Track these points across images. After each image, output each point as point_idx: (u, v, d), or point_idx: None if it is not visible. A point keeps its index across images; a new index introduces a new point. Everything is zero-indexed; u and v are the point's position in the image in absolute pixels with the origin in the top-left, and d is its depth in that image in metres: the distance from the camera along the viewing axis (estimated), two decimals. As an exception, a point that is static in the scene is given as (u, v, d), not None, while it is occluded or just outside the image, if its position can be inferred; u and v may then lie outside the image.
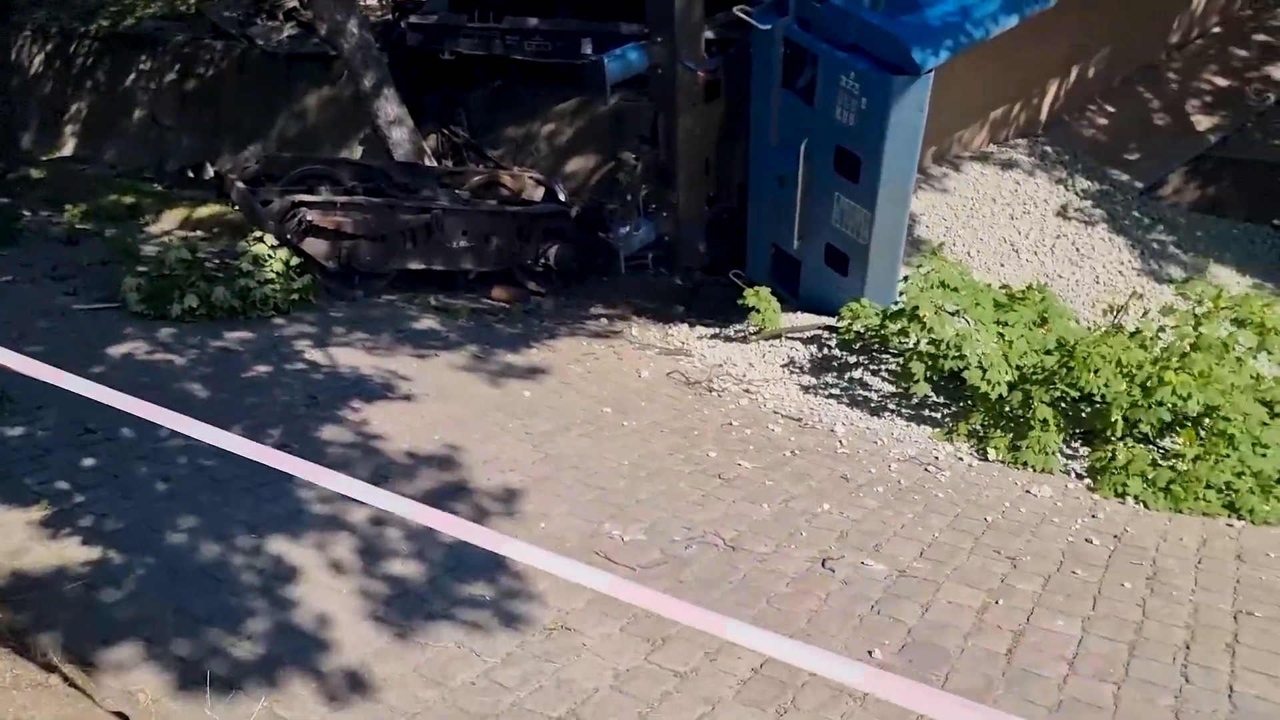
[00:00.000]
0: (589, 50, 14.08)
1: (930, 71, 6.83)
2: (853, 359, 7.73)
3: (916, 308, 6.37)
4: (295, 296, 8.45)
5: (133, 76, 19.26)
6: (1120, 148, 10.26)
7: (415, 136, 12.15)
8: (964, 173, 9.51)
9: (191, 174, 17.24)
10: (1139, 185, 9.84)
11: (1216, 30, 11.60)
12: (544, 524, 4.79)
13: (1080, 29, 9.68)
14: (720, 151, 9.21)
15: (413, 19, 14.44)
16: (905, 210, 7.73)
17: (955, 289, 6.55)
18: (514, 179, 11.51)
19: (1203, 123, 10.61)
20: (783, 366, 7.86)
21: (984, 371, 5.93)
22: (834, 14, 7.22)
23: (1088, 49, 10.17)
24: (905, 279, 7.17)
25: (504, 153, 15.61)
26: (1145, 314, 6.97)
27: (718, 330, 9.07)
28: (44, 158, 18.74)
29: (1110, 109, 10.70)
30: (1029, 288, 6.72)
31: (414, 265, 9.80)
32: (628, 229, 9.13)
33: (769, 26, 7.56)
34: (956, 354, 6.05)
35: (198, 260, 8.39)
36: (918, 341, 6.52)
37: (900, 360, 7.43)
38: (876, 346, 7.61)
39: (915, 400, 6.74)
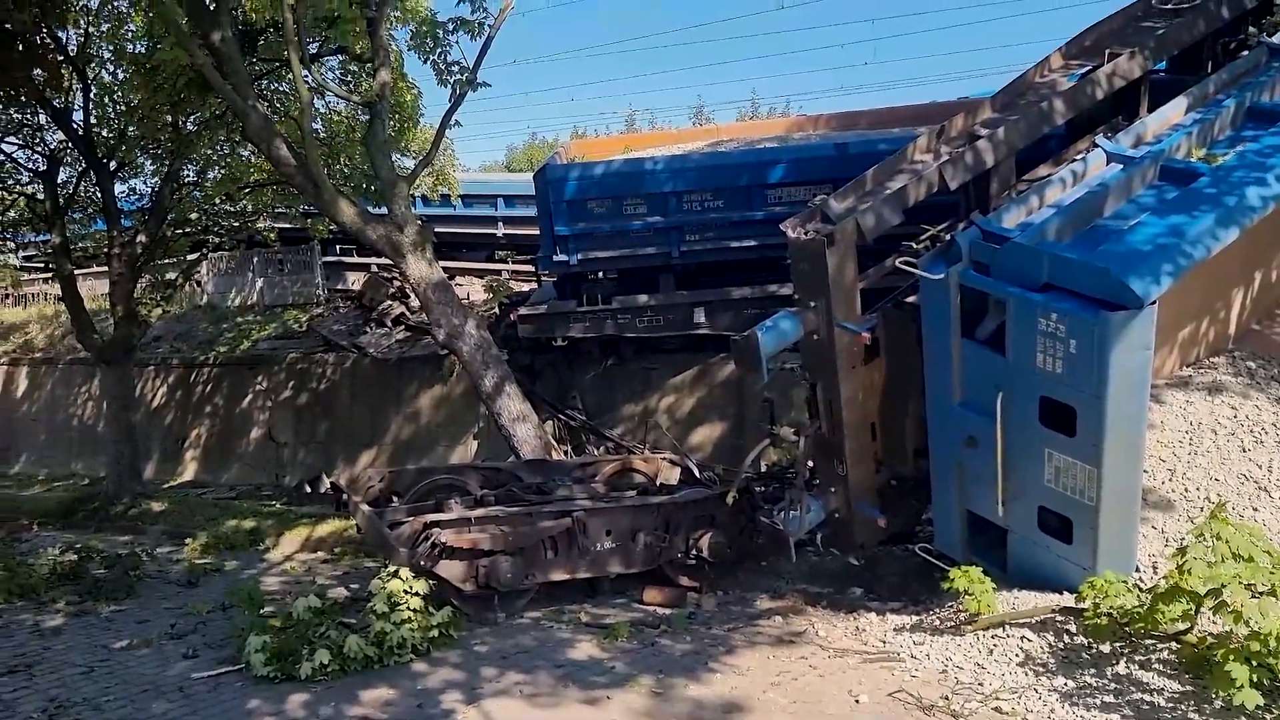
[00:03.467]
0: (701, 319, 13.74)
1: (1154, 303, 5.87)
2: (1107, 648, 6.30)
3: (1216, 590, 5.04)
4: (435, 634, 7.46)
5: (249, 397, 19.62)
6: (1332, 353, 9.00)
7: (540, 431, 11.56)
8: (1167, 403, 8.31)
9: (309, 488, 17.06)
10: (1368, 392, 8.50)
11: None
12: None
13: (1258, 231, 8.75)
14: (884, 414, 8.25)
15: (523, 311, 14.36)
16: (1139, 462, 6.58)
17: (1249, 558, 5.23)
18: (647, 463, 10.71)
19: None
20: (1020, 666, 6.45)
21: (1339, 672, 4.52)
22: (1018, 253, 6.41)
23: (1267, 252, 9.18)
24: (1180, 546, 5.86)
25: (623, 431, 15.02)
26: None
27: (917, 618, 7.74)
28: (165, 485, 18.83)
29: (1304, 313, 9.54)
30: (1346, 547, 5.36)
31: (557, 576, 8.81)
32: (796, 512, 8.05)
33: (940, 276, 6.76)
34: (1293, 651, 4.65)
35: (328, 606, 7.53)
36: (1227, 635, 5.13)
37: (1173, 647, 6.01)
38: (1138, 631, 6.18)
39: (1231, 709, 5.26)
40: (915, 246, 7.54)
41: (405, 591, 7.45)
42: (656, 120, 42.79)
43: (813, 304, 7.51)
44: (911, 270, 7.09)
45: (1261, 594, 5.11)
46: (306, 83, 11.46)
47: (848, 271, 7.40)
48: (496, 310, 17.23)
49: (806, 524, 8.22)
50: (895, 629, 7.59)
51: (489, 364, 11.62)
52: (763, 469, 11.61)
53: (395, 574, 7.64)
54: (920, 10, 67.63)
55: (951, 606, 7.51)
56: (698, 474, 10.42)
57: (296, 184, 11.75)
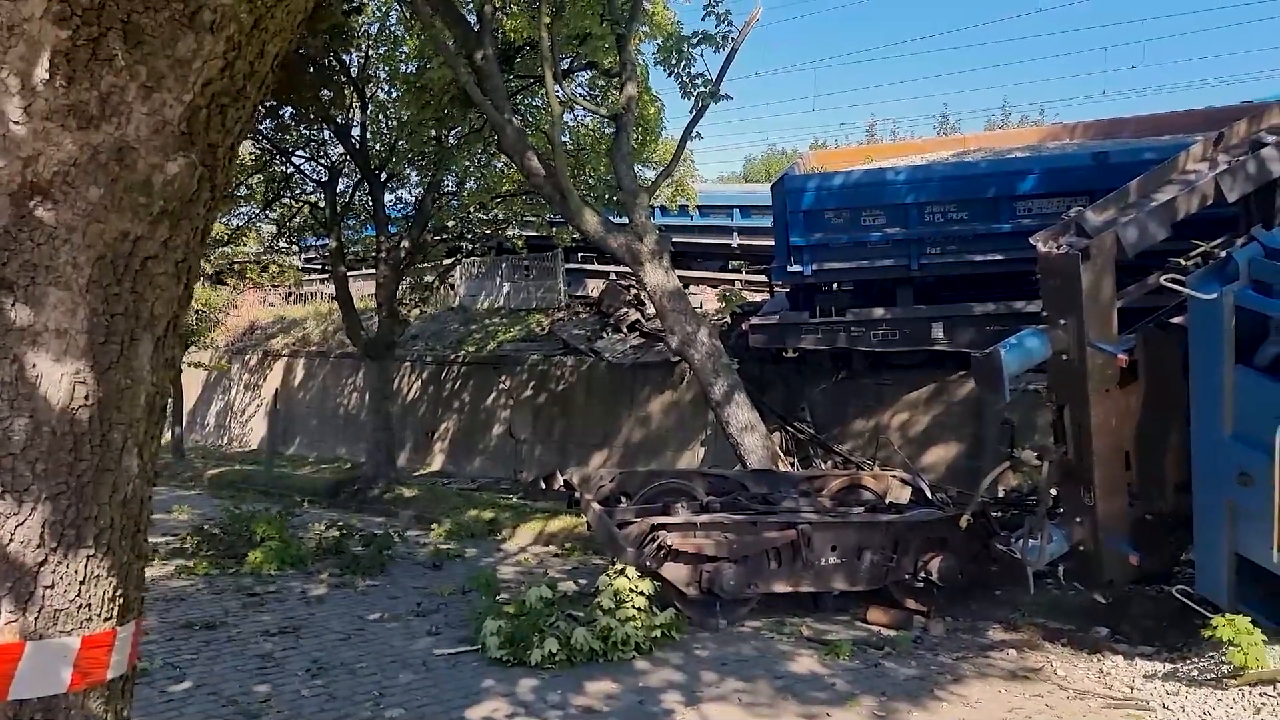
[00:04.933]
0: (940, 334, 13.24)
1: None
2: (1400, 719, 5.56)
3: None
4: (657, 634, 7.61)
5: (493, 395, 20.75)
6: None
7: (768, 441, 11.56)
8: None
9: (544, 484, 17.86)
10: None
11: None
12: None
13: None
14: (1140, 443, 7.65)
15: (754, 320, 14.36)
16: None
17: None
18: (876, 480, 10.46)
19: None
20: (1296, 731, 5.80)
21: None
22: (1308, 273, 5.79)
23: None
24: None
25: (851, 447, 14.71)
26: None
27: (1171, 666, 7.14)
28: (416, 473, 20.25)
29: None
30: None
31: (780, 588, 8.76)
32: (1036, 541, 7.61)
33: (1214, 295, 6.21)
34: None
35: (558, 598, 7.86)
36: None
37: None
38: None
39: None
40: (1183, 263, 6.97)
41: (631, 590, 7.64)
42: (899, 130, 41.70)
43: (1063, 322, 7.08)
44: (1179, 289, 6.55)
45: None
46: (558, 97, 12.03)
47: (1104, 288, 6.93)
48: (728, 319, 17.36)
49: (1048, 554, 7.76)
50: (1145, 675, 7.03)
51: (719, 372, 11.74)
52: (1000, 494, 11.06)
53: (622, 572, 7.85)
54: (1197, 9, 62.10)
55: (1213, 657, 6.88)
56: (929, 494, 10.05)
57: (545, 193, 12.34)
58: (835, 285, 13.82)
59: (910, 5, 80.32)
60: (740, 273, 22.05)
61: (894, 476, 10.49)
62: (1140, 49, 64.81)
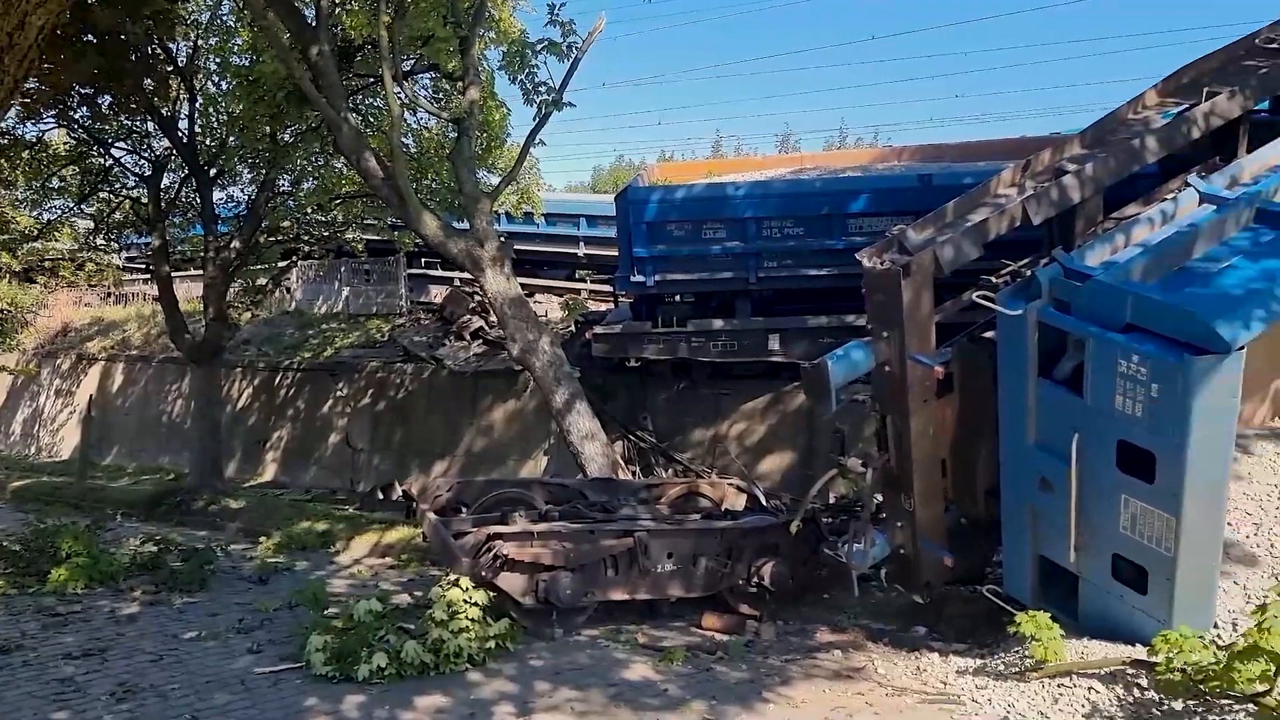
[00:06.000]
0: (776, 346, 13.68)
1: (1242, 349, 5.66)
2: (1179, 705, 6.04)
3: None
4: (491, 645, 7.51)
5: (329, 403, 20.12)
6: None
7: (608, 450, 11.61)
8: (1256, 454, 7.99)
9: (381, 494, 17.45)
10: None
11: None
12: None
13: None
14: (955, 451, 8.08)
15: (598, 329, 14.47)
16: (1221, 514, 6.34)
17: (1336, 621, 4.97)
18: (714, 487, 10.66)
19: None
20: (1086, 717, 6.22)
21: None
22: (1101, 292, 6.25)
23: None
24: (1261, 604, 5.62)
25: (692, 455, 14.99)
26: None
27: (980, 662, 7.53)
28: (245, 484, 19.38)
29: None
30: None
31: (617, 596, 8.80)
32: (860, 545, 7.92)
33: (1019, 312, 6.62)
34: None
35: (389, 611, 7.65)
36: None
37: (1250, 709, 5.74)
38: (1214, 689, 5.92)
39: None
40: (994, 281, 7.39)
41: (464, 601, 7.52)
42: (743, 147, 42.87)
43: (886, 335, 7.40)
44: (989, 305, 6.95)
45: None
46: (398, 98, 11.78)
47: (923, 303, 7.28)
48: (572, 328, 17.41)
49: (870, 558, 8.08)
50: (958, 671, 7.39)
51: (560, 381, 11.73)
52: (831, 500, 11.47)
53: (455, 583, 7.72)
54: (1014, 45, 66.60)
55: (1017, 652, 7.29)
56: (764, 502, 10.32)
57: (384, 196, 12.06)
58: (677, 296, 14.08)
59: (754, 27, 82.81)
60: (586, 282, 22.15)
61: (730, 484, 10.72)
62: (964, 80, 69.05)
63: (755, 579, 9.09)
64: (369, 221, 19.97)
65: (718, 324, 13.74)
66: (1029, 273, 7.12)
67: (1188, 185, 7.39)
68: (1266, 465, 7.88)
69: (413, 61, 14.25)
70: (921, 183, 12.66)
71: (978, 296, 7.10)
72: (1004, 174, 8.34)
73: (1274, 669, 5.33)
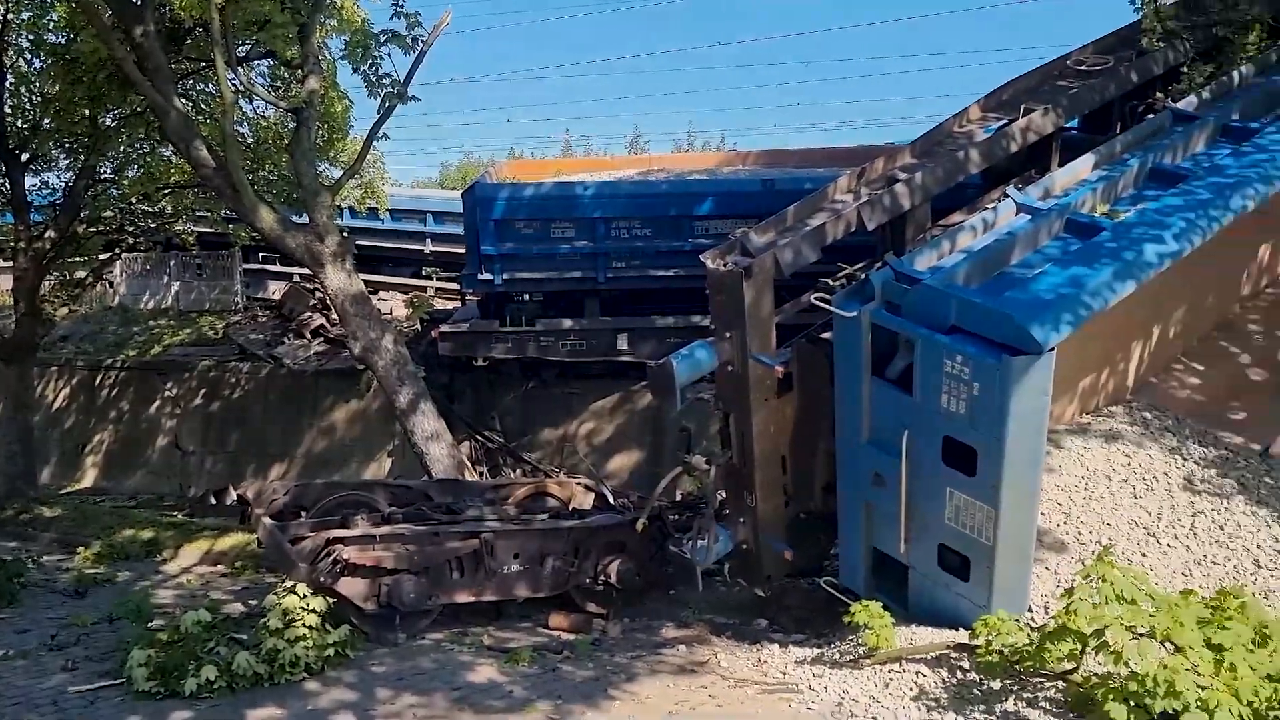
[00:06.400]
0: (624, 345, 13.79)
1: (1053, 349, 6.06)
2: (997, 685, 6.42)
3: (1101, 631, 5.18)
4: (330, 653, 7.27)
5: (157, 404, 19.06)
6: (1223, 408, 9.38)
7: (454, 450, 11.44)
8: (1065, 448, 8.57)
9: (214, 499, 16.63)
10: (1255, 447, 8.88)
11: (1285, 277, 11.06)
12: None
13: (1156, 288, 9.11)
14: (794, 448, 8.34)
15: (444, 328, 14.23)
16: (1035, 504, 6.76)
17: (1132, 601, 5.39)
18: (561, 487, 10.66)
19: (1303, 375, 9.81)
20: (914, 700, 6.53)
21: (1209, 715, 4.66)
22: (928, 295, 6.57)
23: (1164, 307, 9.55)
24: (1068, 588, 6.03)
25: (541, 455, 14.94)
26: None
27: (818, 651, 7.80)
28: (62, 491, 18.12)
29: (1199, 367, 9.93)
30: (1223, 593, 5.56)
31: (463, 598, 8.68)
32: (704, 541, 8.06)
33: (854, 314, 6.88)
34: (1169, 692, 4.79)
35: (220, 621, 7.31)
36: (1108, 676, 5.28)
37: (1060, 686, 6.16)
38: (1028, 669, 6.32)
39: (1108, 746, 5.39)
40: (831, 284, 7.66)
41: (301, 608, 7.27)
42: (593, 147, 43.00)
43: (728, 335, 7.56)
44: (826, 307, 7.20)
45: (1141, 636, 5.27)
46: (232, 85, 11.27)
47: (764, 305, 7.48)
48: (417, 326, 17.07)
49: (714, 554, 8.23)
50: (796, 661, 7.63)
51: (404, 380, 11.49)
52: (678, 498, 11.65)
53: (292, 589, 7.45)
54: (854, 56, 69.57)
55: (852, 640, 7.58)
56: (612, 500, 10.38)
57: (215, 187, 11.53)
58: (526, 295, 14.00)
59: (606, 25, 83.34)
60: (433, 280, 21.76)
61: (578, 483, 10.75)
62: (805, 89, 71.52)
63: (602, 577, 9.15)
64: (201, 213, 18.97)
65: (566, 323, 13.75)
66: (863, 276, 7.42)
67: (1006, 196, 7.87)
68: (1075, 458, 8.45)
69: (248, 47, 13.63)
70: (764, 187, 13.02)
71: (815, 298, 7.34)
72: (841, 180, 8.66)
73: (1080, 648, 5.73)
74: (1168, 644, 5.19)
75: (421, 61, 11.76)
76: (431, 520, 9.08)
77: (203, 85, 15.59)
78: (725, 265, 7.47)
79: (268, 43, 12.20)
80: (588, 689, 6.96)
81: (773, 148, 17.30)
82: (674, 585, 9.67)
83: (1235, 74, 9.53)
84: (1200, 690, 4.81)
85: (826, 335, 7.87)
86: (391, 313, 19.57)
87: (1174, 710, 4.87)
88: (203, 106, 15.41)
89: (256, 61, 14.66)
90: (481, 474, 13.91)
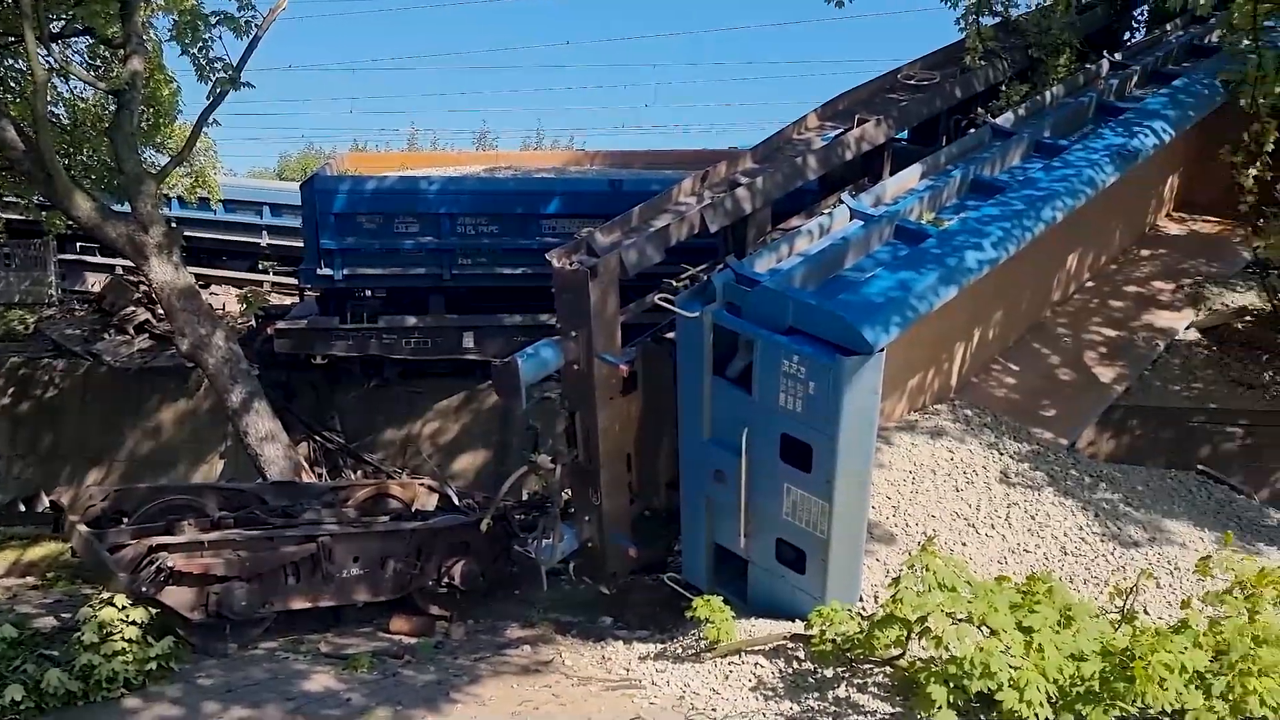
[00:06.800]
0: (470, 344, 13.61)
1: (883, 350, 6.35)
2: (830, 672, 6.69)
3: (924, 617, 5.47)
4: (153, 667, 6.88)
5: (-43, 404, 17.54)
6: (1035, 405, 10.08)
7: (290, 452, 11.04)
8: (894, 444, 8.99)
9: (23, 506, 15.46)
10: (1063, 442, 9.57)
11: (1090, 284, 11.95)
12: None
13: (976, 291, 9.68)
14: (639, 446, 8.44)
15: (280, 325, 13.69)
16: (866, 499, 7.06)
17: (953, 588, 5.72)
18: (404, 488, 10.43)
19: (1105, 374, 10.64)
20: (753, 691, 6.72)
21: (1020, 693, 4.99)
22: (766, 297, 6.76)
23: (983, 311, 10.16)
24: (895, 577, 6.32)
25: (384, 456, 14.57)
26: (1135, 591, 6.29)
27: (661, 647, 7.92)
28: None
29: (1014, 367, 10.62)
30: (1033, 579, 5.96)
31: (298, 604, 8.38)
32: (549, 540, 8.05)
33: (696, 314, 7.02)
34: (984, 673, 5.10)
35: (27, 637, 6.80)
36: (931, 659, 5.57)
37: (887, 671, 6.47)
38: (858, 656, 6.60)
39: (930, 726, 5.69)
40: (675, 285, 7.79)
41: (120, 620, 6.84)
42: (439, 142, 42.22)
43: (574, 334, 7.58)
44: (669, 307, 7.32)
45: (960, 621, 5.59)
46: (44, 62, 10.51)
47: (609, 304, 7.54)
48: (252, 323, 16.36)
49: (559, 552, 8.23)
50: (640, 657, 7.71)
51: (237, 379, 11.00)
52: (524, 497, 11.58)
53: (110, 601, 7.01)
54: (699, 61, 70.85)
55: (694, 634, 7.73)
56: (456, 501, 10.25)
57: (25, 171, 10.72)
58: (368, 291, 13.62)
59: (454, 20, 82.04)
60: (269, 274, 20.89)
61: (422, 484, 10.54)
62: (652, 91, 72.40)
63: (446, 579, 9.00)
64: (9, 199, 17.58)
65: (410, 321, 13.45)
66: (705, 277, 7.58)
67: (841, 202, 8.19)
68: (903, 454, 8.88)
69: (63, 22, 12.74)
70: (612, 187, 13.09)
71: (659, 299, 7.46)
72: (685, 183, 8.81)
73: (906, 634, 6.03)
74: (984, 628, 5.53)
75: (256, 46, 11.29)
76: (265, 524, 8.72)
77: (11, 60, 14.45)
78: (571, 264, 7.49)
79: (85, 18, 11.43)
80: (429, 693, 6.84)
81: (620, 149, 17.41)
82: (519, 585, 9.62)
83: (1048, 94, 10.24)
84: (1012, 670, 5.14)
85: (670, 335, 8.00)
86: (224, 308, 18.68)
87: (989, 689, 5.20)
88: (11, 84, 14.29)
89: (74, 38, 13.71)
90: (320, 476, 13.46)
